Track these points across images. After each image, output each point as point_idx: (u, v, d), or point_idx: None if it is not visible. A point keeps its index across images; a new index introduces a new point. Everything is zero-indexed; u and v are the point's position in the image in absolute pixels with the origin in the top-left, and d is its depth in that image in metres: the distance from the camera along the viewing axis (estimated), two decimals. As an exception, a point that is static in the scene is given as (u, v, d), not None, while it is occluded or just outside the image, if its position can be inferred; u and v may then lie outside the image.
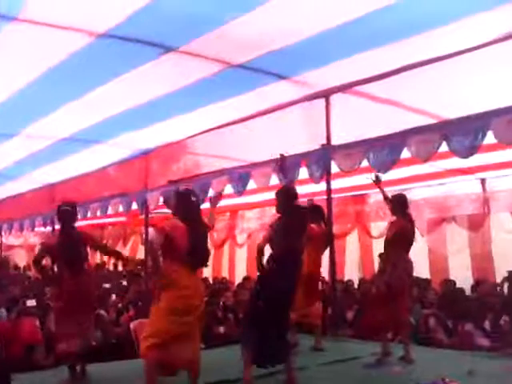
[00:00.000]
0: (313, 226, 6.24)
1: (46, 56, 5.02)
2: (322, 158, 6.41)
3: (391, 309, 5.50)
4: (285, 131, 6.84)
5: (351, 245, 11.63)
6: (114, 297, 10.86)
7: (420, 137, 5.41)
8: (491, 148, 5.58)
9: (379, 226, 10.17)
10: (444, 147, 5.25)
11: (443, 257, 10.30)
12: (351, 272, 11.21)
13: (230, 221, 13.84)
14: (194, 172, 8.45)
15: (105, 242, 17.76)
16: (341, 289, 9.08)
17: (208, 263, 4.65)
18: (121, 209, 9.62)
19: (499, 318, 7.28)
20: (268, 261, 4.73)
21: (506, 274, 9.11)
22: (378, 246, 6.08)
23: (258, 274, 4.82)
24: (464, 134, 5.05)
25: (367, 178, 6.12)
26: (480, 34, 4.77)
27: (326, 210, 6.66)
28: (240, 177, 7.28)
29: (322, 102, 6.43)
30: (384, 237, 5.98)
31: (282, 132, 6.89)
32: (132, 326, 7.15)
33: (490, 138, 4.92)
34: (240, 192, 7.40)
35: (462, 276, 9.56)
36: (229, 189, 7.51)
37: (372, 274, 9.98)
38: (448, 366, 5.39)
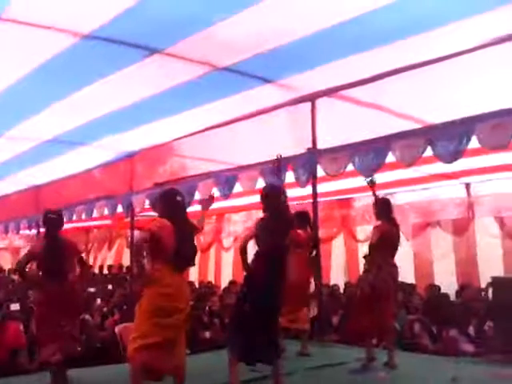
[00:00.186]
0: (299, 231, 6.24)
1: (31, 56, 4.98)
2: (307, 162, 6.41)
3: (376, 314, 5.50)
4: (271, 135, 6.84)
5: (337, 249, 11.64)
6: (99, 301, 10.79)
7: (405, 141, 5.43)
8: (475, 153, 5.61)
9: (365, 230, 10.19)
10: (428, 152, 5.26)
11: (428, 261, 10.34)
12: (337, 276, 11.23)
13: (217, 224, 13.80)
14: (180, 175, 8.42)
15: (90, 245, 17.76)
16: (326, 293, 9.08)
17: (194, 263, 4.61)
18: (106, 211, 9.55)
19: (483, 324, 7.30)
20: (254, 259, 4.71)
21: (490, 280, 9.15)
22: (364, 250, 6.11)
23: (244, 274, 4.80)
24: (448, 138, 5.07)
25: (364, 181, 6.11)
26: (465, 40, 4.81)
27: (311, 214, 6.65)
28: (226, 180, 7.26)
29: (307, 105, 6.43)
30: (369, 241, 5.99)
31: (268, 135, 6.88)
32: (117, 330, 7.10)
33: (474, 143, 4.95)
34: (226, 195, 7.37)
35: (447, 281, 9.61)
36: (215, 192, 7.48)
37: (357, 278, 10.01)
38: (432, 371, 5.41)
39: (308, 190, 6.79)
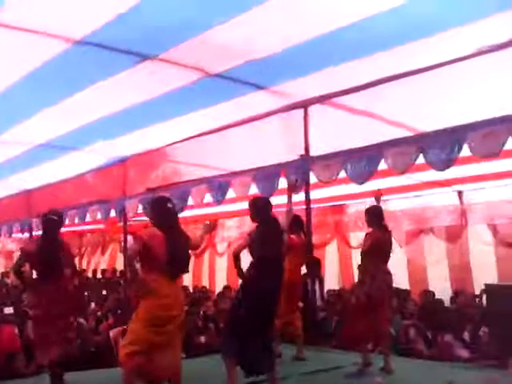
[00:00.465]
0: (292, 236, 6.25)
1: (23, 62, 4.96)
2: (300, 169, 6.42)
3: (371, 319, 5.51)
4: (263, 141, 6.85)
5: (330, 255, 11.64)
6: (93, 305, 10.77)
7: (397, 149, 5.44)
8: (468, 161, 5.62)
9: (358, 236, 10.19)
10: (421, 159, 5.27)
11: (422, 268, 10.36)
12: (330, 282, 11.22)
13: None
14: (173, 180, 8.41)
15: (83, 249, 17.72)
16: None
17: (188, 269, 4.61)
18: (99, 216, 9.54)
19: (478, 330, 7.32)
20: (249, 269, 4.73)
21: (483, 286, 9.17)
22: (358, 256, 6.14)
23: (240, 282, 4.81)
24: (440, 147, 5.08)
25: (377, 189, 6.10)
26: (458, 48, 4.81)
27: (305, 220, 6.65)
28: (219, 186, 7.26)
29: (300, 112, 6.43)
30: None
31: (260, 142, 6.89)
32: (111, 334, 7.08)
33: (466, 151, 4.95)
34: (219, 201, 7.37)
35: (441, 287, 9.63)
36: (208, 197, 7.48)
37: (351, 284, 10.00)
38: (428, 376, 5.43)
39: (301, 196, 6.79)
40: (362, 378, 5.46)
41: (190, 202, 7.71)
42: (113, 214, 9.24)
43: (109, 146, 7.62)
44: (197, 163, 8.24)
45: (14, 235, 12.97)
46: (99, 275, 16.70)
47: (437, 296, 9.19)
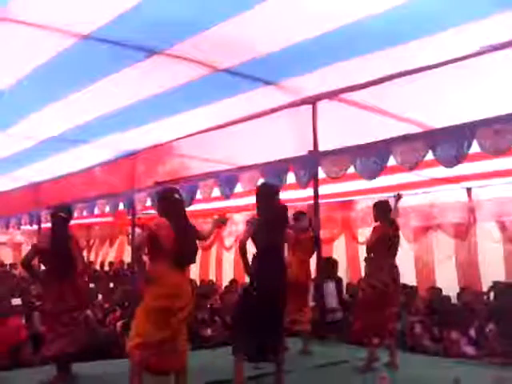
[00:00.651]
0: (300, 231, 6.25)
1: (32, 56, 4.97)
2: (309, 164, 6.41)
3: (378, 314, 5.51)
4: (272, 137, 6.84)
5: (338, 250, 11.63)
6: (100, 297, 10.83)
7: (406, 145, 5.41)
8: (477, 157, 5.60)
9: (366, 232, 10.17)
10: (430, 156, 5.25)
11: (430, 264, 10.33)
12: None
13: (218, 223, 13.78)
14: (181, 174, 8.43)
15: (91, 241, 17.82)
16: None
17: (195, 260, 4.60)
18: (107, 209, 9.58)
19: (485, 327, 7.30)
20: (252, 261, 4.72)
21: (491, 283, 9.15)
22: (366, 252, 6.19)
23: (245, 273, 4.80)
24: (450, 143, 5.06)
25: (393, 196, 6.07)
26: (468, 45, 4.78)
27: (313, 216, 6.66)
28: (227, 180, 7.27)
29: (309, 108, 6.42)
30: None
31: (268, 137, 6.88)
32: (119, 326, 7.11)
33: (475, 148, 4.94)
34: (227, 195, 7.38)
35: (448, 284, 9.60)
36: (216, 192, 7.50)
37: (358, 279, 10.01)
38: (433, 373, 5.41)
39: (309, 191, 6.81)
40: (368, 372, 5.46)
41: (199, 196, 7.74)
42: (121, 207, 9.28)
43: (118, 139, 7.64)
44: (205, 158, 8.24)
45: (22, 227, 13.07)
46: (106, 267, 16.78)
47: (444, 293, 9.16)
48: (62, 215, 5.48)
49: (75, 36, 4.60)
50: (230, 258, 13.42)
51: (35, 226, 11.77)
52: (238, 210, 11.90)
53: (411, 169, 5.60)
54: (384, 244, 5.63)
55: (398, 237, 5.83)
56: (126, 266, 15.65)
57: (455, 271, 10.00)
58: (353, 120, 6.28)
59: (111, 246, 17.65)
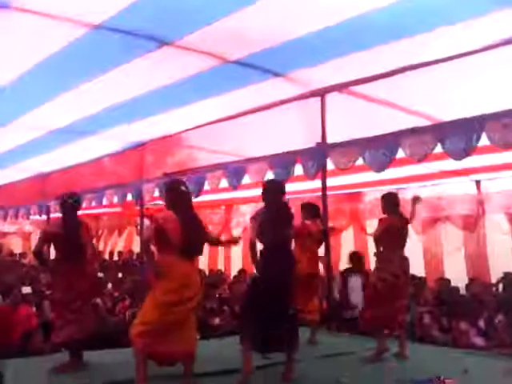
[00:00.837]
0: (309, 222, 6.26)
1: (41, 46, 4.97)
2: (317, 156, 6.41)
3: (388, 305, 5.51)
4: (280, 129, 6.83)
5: (346, 242, 11.63)
6: (109, 286, 10.91)
7: (415, 138, 5.40)
8: (486, 150, 5.58)
9: (375, 224, 10.14)
10: (439, 148, 5.24)
11: (438, 256, 10.32)
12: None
13: (226, 214, 13.85)
14: (189, 165, 8.45)
15: (100, 231, 17.90)
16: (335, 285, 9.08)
17: (202, 251, 4.61)
18: (116, 200, 9.62)
19: (494, 318, 7.30)
20: (260, 255, 4.74)
21: (500, 275, 9.15)
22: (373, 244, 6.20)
23: (254, 268, 4.82)
24: (459, 136, 5.04)
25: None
26: (479, 38, 4.75)
27: (321, 207, 6.66)
28: (235, 171, 7.28)
29: (317, 100, 6.40)
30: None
31: (277, 129, 6.87)
32: (128, 315, 7.16)
33: (484, 141, 4.92)
34: (235, 186, 7.40)
35: (457, 275, 9.60)
36: (224, 183, 7.52)
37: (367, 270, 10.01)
38: (442, 363, 5.40)
39: (317, 183, 6.81)
40: (377, 363, 5.48)
41: (206, 187, 7.76)
42: (129, 197, 9.32)
43: (126, 130, 7.66)
44: (213, 149, 8.25)
45: (31, 217, 13.15)
46: (115, 257, 16.87)
47: (453, 284, 9.17)
48: (71, 202, 5.48)
49: (86, 26, 4.59)
50: (238, 249, 13.42)
51: (44, 216, 11.85)
52: (246, 201, 11.94)
53: (420, 161, 5.59)
54: (391, 236, 5.62)
55: (406, 229, 5.82)
56: (135, 256, 15.74)
57: (464, 263, 9.98)
58: (361, 113, 6.26)
59: (120, 236, 17.73)
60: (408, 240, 5.81)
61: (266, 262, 4.69)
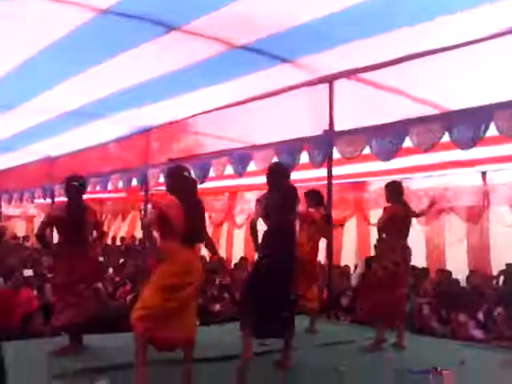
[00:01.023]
0: (312, 210, 6.25)
1: (49, 30, 4.98)
2: (323, 143, 6.39)
3: (389, 295, 5.51)
4: (287, 115, 6.81)
5: (349, 231, 11.64)
6: (111, 270, 10.94)
7: (423, 126, 5.38)
8: (492, 141, 5.56)
9: (379, 214, 10.13)
10: (445, 138, 5.22)
11: (441, 247, 10.32)
12: (348, 257, 11.28)
13: (229, 201, 13.87)
14: (195, 151, 8.44)
15: (104, 216, 17.94)
16: (336, 274, 9.11)
17: (204, 237, 4.60)
18: (121, 184, 9.63)
19: (493, 310, 7.31)
20: (263, 238, 4.72)
21: (502, 267, 9.15)
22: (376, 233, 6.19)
23: (255, 251, 4.81)
24: (467, 125, 5.03)
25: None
26: (489, 25, 4.72)
27: (326, 196, 6.65)
28: (241, 158, 7.27)
29: (325, 87, 6.38)
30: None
31: (284, 116, 6.85)
32: (129, 299, 7.18)
33: (491, 131, 4.90)
34: (240, 173, 7.39)
35: (459, 266, 9.60)
36: (229, 169, 7.51)
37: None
38: (439, 354, 5.41)
39: (323, 171, 6.80)
40: (375, 352, 5.50)
41: (212, 174, 7.75)
42: (134, 182, 9.33)
43: (134, 115, 7.65)
44: (219, 135, 8.24)
45: (36, 200, 13.19)
46: (118, 242, 16.93)
47: (454, 275, 9.17)
48: (76, 185, 5.44)
49: (94, 10, 4.59)
50: (241, 236, 13.49)
51: (48, 200, 11.88)
52: (250, 188, 11.94)
53: (427, 150, 5.58)
54: (395, 224, 5.62)
55: (409, 218, 5.82)
56: (137, 242, 15.78)
57: (466, 254, 9.98)
58: (369, 100, 6.23)
59: (123, 221, 17.79)
60: (411, 230, 5.81)
61: (268, 245, 4.66)
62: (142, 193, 9.67)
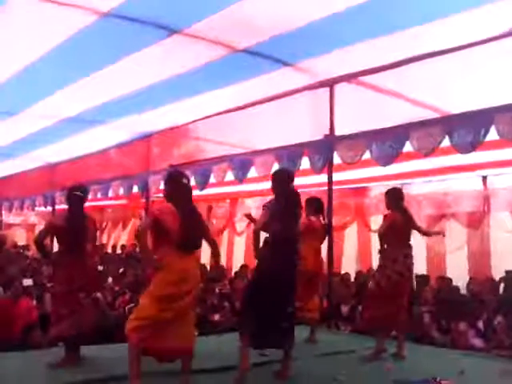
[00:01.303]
0: (313, 218, 6.22)
1: (50, 35, 4.99)
2: (324, 148, 6.40)
3: (391, 305, 5.49)
4: (288, 119, 6.81)
5: (350, 238, 11.62)
6: (110, 280, 10.89)
7: (423, 130, 5.39)
8: (492, 145, 5.56)
9: (379, 220, 10.11)
10: (445, 143, 5.22)
11: (441, 253, 10.29)
12: (348, 265, 11.24)
13: (230, 208, 13.84)
14: (196, 157, 8.44)
15: (104, 224, 17.92)
16: (337, 281, 9.07)
17: (200, 245, 4.52)
18: (121, 191, 9.63)
19: (493, 319, 7.27)
20: (264, 245, 4.70)
21: (503, 274, 9.11)
22: (377, 240, 6.14)
23: (256, 259, 4.79)
24: (467, 129, 5.03)
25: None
26: (488, 28, 4.73)
27: (326, 202, 6.63)
28: (242, 164, 7.27)
29: (326, 90, 6.39)
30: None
31: (285, 120, 6.85)
32: (128, 309, 7.14)
33: (492, 135, 4.90)
34: (241, 179, 7.38)
35: (460, 273, 9.56)
36: (230, 176, 7.49)
37: (369, 267, 9.99)
38: (439, 364, 5.39)
39: (323, 177, 6.79)
40: (374, 362, 5.46)
41: (212, 180, 7.74)
42: (135, 189, 9.32)
43: (135, 121, 7.66)
44: (220, 141, 8.24)
45: (36, 208, 13.17)
46: (119, 250, 16.88)
47: (455, 282, 9.13)
48: (78, 194, 5.42)
49: (96, 13, 4.59)
50: (241, 244, 13.45)
51: (49, 208, 11.87)
52: (251, 194, 11.93)
53: (427, 155, 5.58)
54: (396, 232, 5.57)
55: (409, 224, 5.79)
56: (138, 250, 15.70)
57: (466, 260, 9.95)
58: (369, 104, 6.25)
59: (124, 229, 17.74)
60: (412, 237, 5.79)
61: (270, 254, 4.64)
62: (143, 200, 9.66)
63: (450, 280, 9.31)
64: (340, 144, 6.24)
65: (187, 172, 7.65)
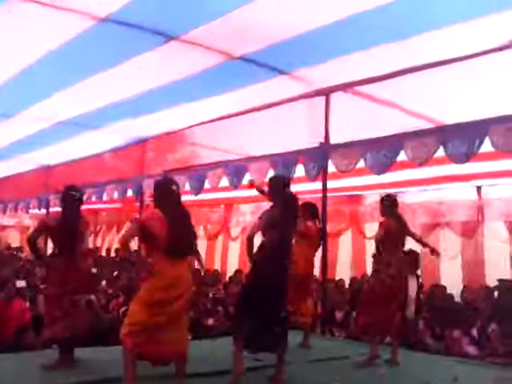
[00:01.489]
0: (308, 223, 6.23)
1: (47, 38, 5.00)
2: (319, 156, 6.41)
3: (385, 310, 5.48)
4: (283, 127, 6.82)
5: (344, 244, 11.63)
6: (104, 283, 10.86)
7: (417, 140, 5.41)
8: (487, 156, 5.58)
9: (373, 227, 10.13)
10: (440, 152, 5.24)
11: (435, 262, 10.29)
12: (342, 271, 11.24)
13: (225, 214, 13.84)
14: (191, 163, 8.44)
15: (98, 227, 17.87)
16: (331, 288, 9.08)
17: (192, 251, 4.53)
18: (116, 195, 9.61)
19: (487, 327, 7.29)
20: (258, 250, 4.71)
21: (496, 282, 9.13)
22: (371, 247, 6.13)
23: (250, 264, 4.79)
24: (461, 139, 5.05)
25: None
26: (484, 40, 4.76)
27: (321, 209, 6.64)
28: (236, 170, 7.27)
29: (322, 99, 6.41)
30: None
31: (280, 128, 6.86)
32: (122, 312, 7.12)
33: (487, 146, 4.92)
34: (236, 185, 7.39)
35: (454, 282, 9.58)
36: (224, 181, 7.49)
37: (363, 274, 9.99)
38: (433, 371, 5.38)
39: (318, 185, 6.80)
40: (368, 368, 5.45)
41: (207, 185, 7.74)
42: (130, 193, 9.31)
43: (130, 126, 7.66)
44: (215, 147, 8.25)
45: (31, 211, 13.14)
46: (113, 254, 16.83)
47: (449, 291, 9.14)
48: (73, 194, 5.37)
49: (93, 18, 4.60)
50: (235, 249, 13.44)
51: (43, 210, 11.83)
52: (246, 200, 11.93)
53: (421, 164, 5.59)
54: (390, 239, 5.60)
55: (404, 231, 5.81)
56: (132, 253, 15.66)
57: (460, 269, 9.97)
58: (365, 113, 6.27)
59: (118, 233, 17.68)
60: (406, 245, 5.81)
61: (266, 260, 4.65)
62: (138, 203, 9.64)
63: (445, 288, 9.33)
64: (335, 152, 6.26)
65: (182, 177, 7.72)
